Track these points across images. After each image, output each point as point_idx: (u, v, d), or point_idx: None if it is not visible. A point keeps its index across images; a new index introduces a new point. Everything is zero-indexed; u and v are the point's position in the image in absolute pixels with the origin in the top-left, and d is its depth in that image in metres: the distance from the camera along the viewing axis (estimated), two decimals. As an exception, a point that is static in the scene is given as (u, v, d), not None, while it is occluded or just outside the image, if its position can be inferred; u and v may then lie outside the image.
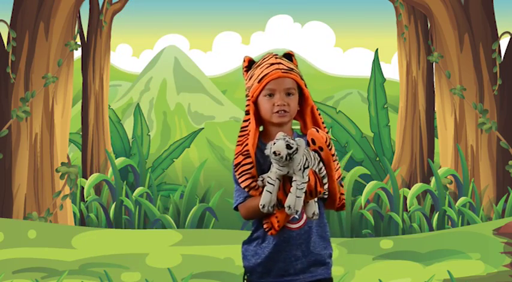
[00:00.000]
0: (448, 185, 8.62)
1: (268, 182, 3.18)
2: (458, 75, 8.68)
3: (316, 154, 3.22)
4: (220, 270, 6.84)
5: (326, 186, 3.25)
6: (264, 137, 3.34)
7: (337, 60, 11.24)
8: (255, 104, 3.38)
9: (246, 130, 3.34)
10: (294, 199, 3.13)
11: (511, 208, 8.28)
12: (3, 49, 8.36)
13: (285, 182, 3.18)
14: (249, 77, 3.41)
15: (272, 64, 3.35)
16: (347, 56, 11.20)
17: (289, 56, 3.40)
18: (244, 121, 3.37)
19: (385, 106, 9.30)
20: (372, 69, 9.35)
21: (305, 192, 3.15)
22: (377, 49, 9.40)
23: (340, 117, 9.47)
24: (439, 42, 8.76)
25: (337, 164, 3.29)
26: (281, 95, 3.32)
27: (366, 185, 8.47)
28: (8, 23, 8.40)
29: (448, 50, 8.71)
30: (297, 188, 3.13)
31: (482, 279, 6.35)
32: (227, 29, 10.99)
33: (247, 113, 3.38)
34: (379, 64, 9.36)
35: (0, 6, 8.56)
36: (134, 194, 8.59)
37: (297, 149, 3.12)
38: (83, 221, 8.62)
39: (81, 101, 9.06)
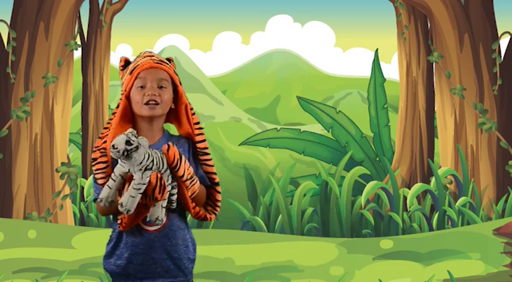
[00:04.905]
0: (448, 185, 8.62)
1: (111, 177, 3.13)
2: (458, 75, 8.68)
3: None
4: (220, 270, 6.84)
5: (175, 197, 3.19)
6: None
7: (337, 60, 11.24)
8: (129, 99, 3.29)
9: (110, 123, 3.29)
10: (127, 198, 3.06)
11: (511, 208, 8.28)
12: (3, 49, 8.37)
13: (131, 180, 3.11)
14: (124, 73, 3.34)
15: (145, 56, 3.32)
16: (347, 56, 11.20)
17: (168, 60, 3.36)
18: (112, 114, 3.31)
19: (385, 106, 9.31)
20: (372, 69, 9.36)
21: (142, 194, 3.08)
22: (377, 49, 9.40)
23: (340, 117, 9.48)
24: (439, 42, 8.76)
25: (194, 181, 3.22)
26: (152, 85, 3.25)
27: (365, 185, 8.47)
28: (8, 23, 8.40)
29: (448, 50, 8.71)
30: (132, 187, 3.06)
31: (482, 279, 6.36)
32: (227, 29, 11.00)
33: (117, 106, 3.31)
34: (379, 64, 9.37)
35: (0, 6, 8.56)
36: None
37: (136, 147, 3.04)
38: (83, 221, 8.62)
39: (81, 101, 9.06)
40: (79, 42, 8.67)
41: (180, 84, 3.33)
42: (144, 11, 10.49)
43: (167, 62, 3.34)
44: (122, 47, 10.71)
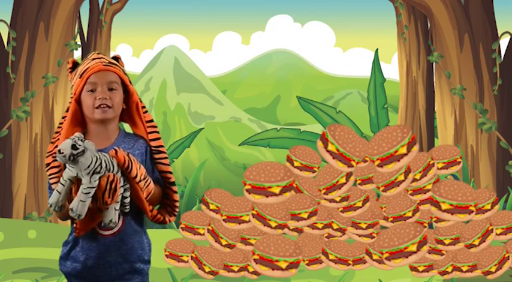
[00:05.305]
0: (448, 185, 8.61)
1: (60, 182, 3.11)
2: (458, 75, 8.68)
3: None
4: (220, 270, 6.83)
5: (127, 200, 3.18)
6: (87, 139, 3.24)
7: (337, 60, 11.24)
8: (79, 103, 3.29)
9: (61, 127, 3.29)
10: (77, 203, 3.05)
11: (511, 208, 8.28)
12: (3, 49, 8.37)
13: (80, 184, 3.10)
14: (73, 76, 3.34)
15: (94, 59, 3.31)
16: (347, 56, 11.21)
17: (115, 59, 3.36)
18: (63, 117, 3.31)
19: (385, 106, 9.31)
20: (372, 69, 9.36)
21: (92, 198, 3.06)
22: (377, 49, 9.40)
23: (340, 117, 9.48)
24: (439, 42, 8.76)
25: (148, 181, 3.20)
26: (103, 88, 3.25)
27: (366, 185, 8.46)
28: (8, 23, 8.40)
29: (448, 50, 8.71)
30: (81, 192, 3.05)
31: (483, 279, 6.35)
32: (227, 29, 11.01)
33: (67, 110, 3.30)
34: (379, 64, 9.37)
35: (0, 6, 8.56)
36: (134, 194, 8.58)
37: (83, 151, 3.03)
38: (83, 221, 8.61)
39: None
40: (79, 42, 8.67)
41: (130, 83, 3.33)
42: (144, 11, 10.49)
43: (116, 62, 3.33)
44: (122, 47, 10.71)
